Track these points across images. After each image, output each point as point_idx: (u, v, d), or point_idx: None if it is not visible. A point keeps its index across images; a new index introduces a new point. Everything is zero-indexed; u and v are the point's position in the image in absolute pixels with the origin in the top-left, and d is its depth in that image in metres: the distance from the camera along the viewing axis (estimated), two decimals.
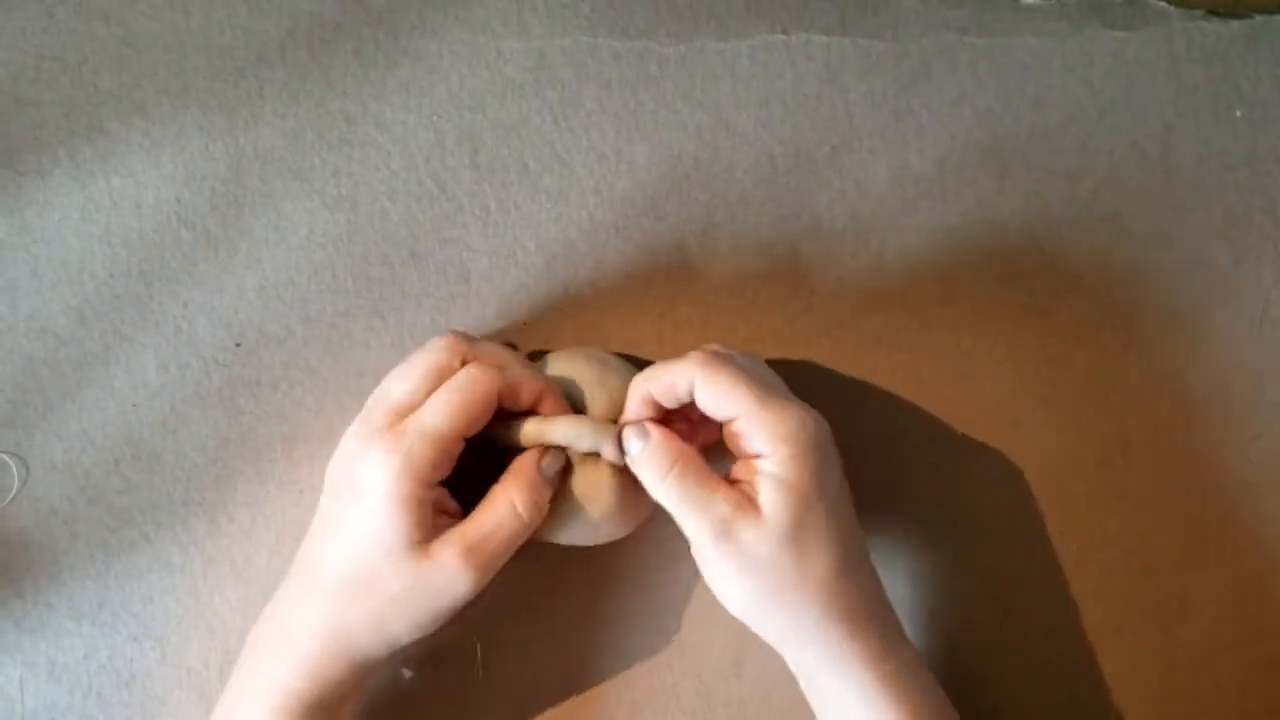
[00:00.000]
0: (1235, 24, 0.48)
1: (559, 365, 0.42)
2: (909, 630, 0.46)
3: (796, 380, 0.47)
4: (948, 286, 0.47)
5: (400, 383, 0.39)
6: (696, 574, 0.45)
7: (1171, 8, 0.48)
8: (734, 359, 0.40)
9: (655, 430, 0.39)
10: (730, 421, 0.39)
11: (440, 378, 0.39)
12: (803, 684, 0.41)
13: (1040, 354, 0.47)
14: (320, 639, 0.38)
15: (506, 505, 0.39)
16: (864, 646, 0.38)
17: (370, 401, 0.40)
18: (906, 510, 0.47)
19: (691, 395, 0.39)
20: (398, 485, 0.37)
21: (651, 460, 0.39)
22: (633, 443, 0.39)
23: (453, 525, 0.38)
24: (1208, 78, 0.48)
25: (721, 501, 0.38)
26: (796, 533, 0.37)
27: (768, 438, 0.37)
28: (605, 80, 0.47)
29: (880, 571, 0.46)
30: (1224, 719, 0.47)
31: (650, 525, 0.43)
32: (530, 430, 0.40)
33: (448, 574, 0.37)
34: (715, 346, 0.42)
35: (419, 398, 0.38)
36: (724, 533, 0.37)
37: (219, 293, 0.46)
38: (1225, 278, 0.48)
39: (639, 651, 0.46)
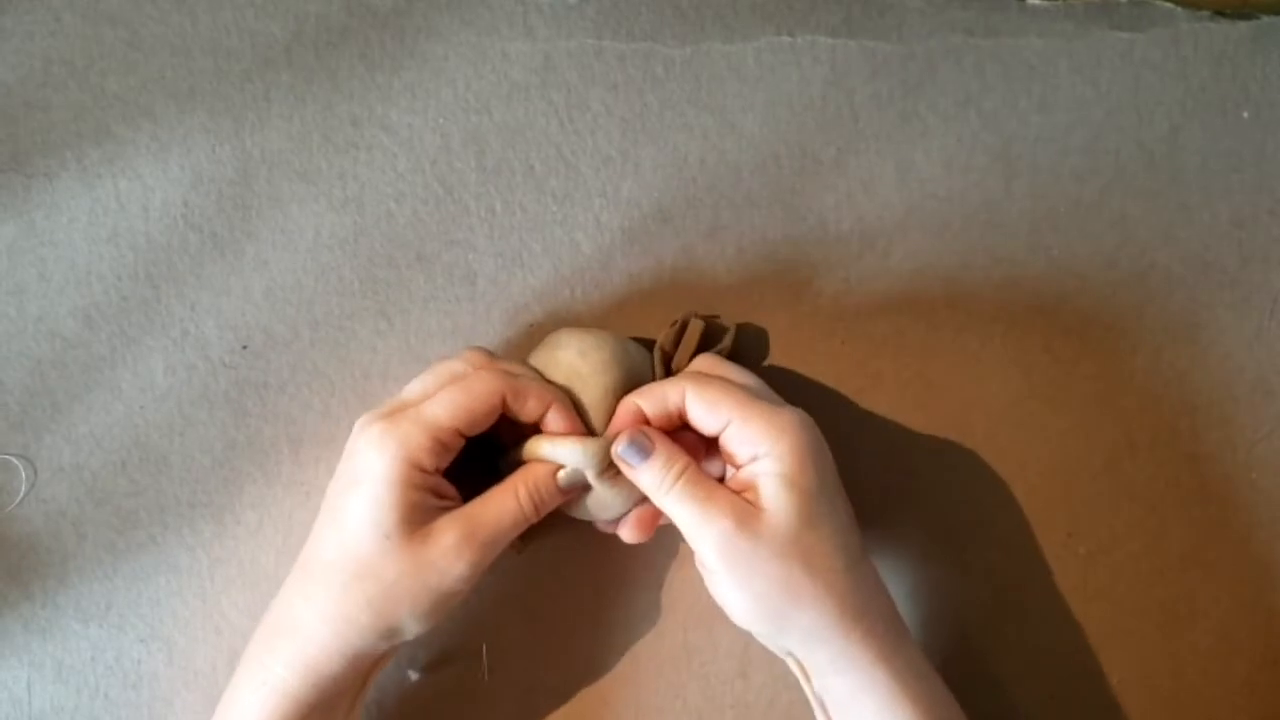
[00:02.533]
0: (1242, 25, 0.48)
1: (561, 363, 0.42)
2: (916, 632, 0.46)
3: (802, 383, 0.47)
4: (954, 288, 0.47)
5: (413, 385, 0.40)
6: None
7: (1178, 9, 0.48)
8: (726, 371, 0.41)
9: (658, 441, 0.39)
10: (724, 429, 0.39)
11: (452, 381, 0.39)
12: (808, 685, 0.40)
13: (1047, 356, 0.47)
14: (317, 631, 0.38)
15: (510, 494, 0.39)
16: (876, 643, 0.38)
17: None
18: (913, 512, 0.46)
19: (683, 409, 0.39)
20: (391, 467, 0.37)
21: (654, 471, 0.39)
22: (633, 456, 0.39)
23: (452, 510, 0.39)
24: (1214, 79, 0.48)
25: (726, 511, 0.38)
26: (804, 530, 0.37)
27: (764, 436, 0.38)
28: (611, 83, 0.47)
29: (887, 573, 0.46)
30: None
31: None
32: (531, 449, 0.40)
33: (443, 554, 0.37)
34: (711, 358, 0.43)
35: (427, 396, 0.39)
36: (730, 544, 0.37)
37: (226, 295, 0.46)
38: (1232, 279, 0.48)
39: (645, 654, 0.46)
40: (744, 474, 0.39)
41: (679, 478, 0.39)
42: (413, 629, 0.39)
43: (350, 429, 0.45)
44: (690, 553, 0.39)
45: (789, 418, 0.38)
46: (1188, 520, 0.47)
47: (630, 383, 0.42)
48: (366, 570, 0.37)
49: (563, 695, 0.46)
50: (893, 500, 0.46)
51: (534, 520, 0.40)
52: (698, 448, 0.41)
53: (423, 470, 0.38)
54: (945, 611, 0.46)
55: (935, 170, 0.47)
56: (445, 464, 0.39)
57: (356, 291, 0.46)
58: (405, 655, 0.45)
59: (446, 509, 0.39)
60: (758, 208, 0.47)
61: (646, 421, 0.40)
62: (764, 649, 0.42)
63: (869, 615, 0.38)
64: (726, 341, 0.44)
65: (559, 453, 0.39)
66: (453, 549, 0.37)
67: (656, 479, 0.39)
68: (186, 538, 0.45)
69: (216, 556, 0.45)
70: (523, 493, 0.39)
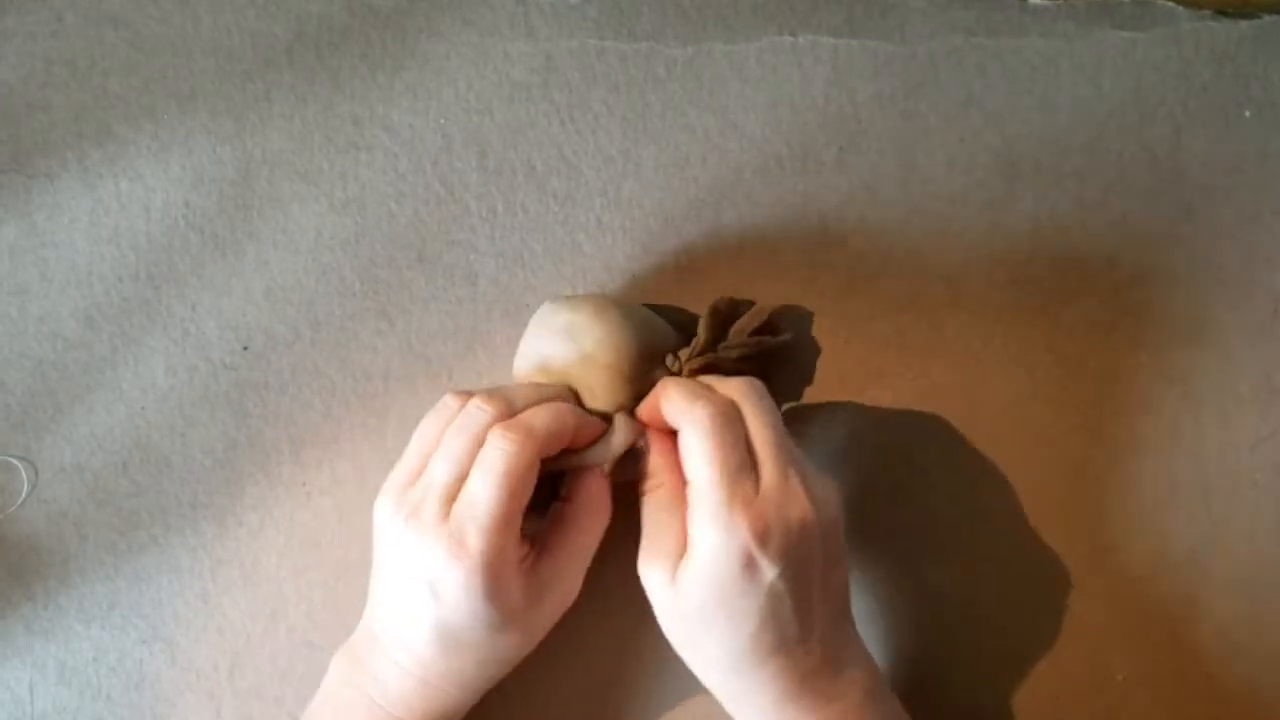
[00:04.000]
0: (1244, 24, 0.48)
1: (556, 345, 0.41)
2: (917, 632, 0.46)
3: (805, 383, 0.47)
4: (957, 288, 0.47)
5: (436, 465, 0.38)
6: None
7: (1180, 8, 0.48)
8: (754, 420, 0.39)
9: (653, 446, 0.40)
10: (689, 484, 0.38)
11: (476, 445, 0.38)
12: None
13: (1050, 356, 0.47)
14: (420, 699, 0.40)
15: (572, 525, 0.41)
16: (789, 709, 0.38)
17: (417, 490, 0.38)
18: (915, 511, 0.46)
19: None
20: (484, 586, 0.37)
21: (644, 468, 0.41)
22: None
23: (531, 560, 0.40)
24: (1216, 78, 0.48)
25: (658, 543, 0.39)
26: (695, 616, 0.38)
27: (697, 529, 0.37)
28: (612, 83, 0.47)
29: (888, 572, 0.46)
30: None
31: None
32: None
33: (549, 615, 0.41)
34: (745, 392, 0.40)
35: (458, 476, 0.38)
36: (646, 570, 0.39)
37: (227, 296, 0.46)
38: (1235, 279, 0.47)
39: (648, 655, 0.46)
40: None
41: (652, 489, 0.40)
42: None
43: (352, 430, 0.46)
44: None
45: (716, 544, 0.36)
46: (1191, 520, 0.47)
47: (642, 330, 0.41)
48: (483, 653, 0.39)
49: (565, 696, 0.46)
50: (894, 499, 0.46)
51: (611, 475, 0.41)
52: None
53: (512, 563, 0.38)
54: (946, 611, 0.46)
55: (937, 170, 0.47)
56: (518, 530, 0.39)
57: (358, 292, 0.46)
58: None
59: (527, 560, 0.39)
60: (759, 208, 0.47)
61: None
62: None
63: (774, 693, 0.38)
64: (784, 338, 0.44)
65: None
66: (555, 609, 0.40)
67: (644, 475, 0.41)
68: (188, 539, 0.45)
69: (218, 557, 0.45)
70: (589, 533, 0.41)
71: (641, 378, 0.41)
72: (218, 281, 0.46)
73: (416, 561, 0.37)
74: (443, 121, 0.47)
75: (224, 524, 0.45)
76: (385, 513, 0.39)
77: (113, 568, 0.45)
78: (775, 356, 0.44)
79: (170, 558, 0.45)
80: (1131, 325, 0.47)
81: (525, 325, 0.46)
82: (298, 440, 0.46)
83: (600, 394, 0.41)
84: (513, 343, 0.46)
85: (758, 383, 0.40)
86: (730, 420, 0.38)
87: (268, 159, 0.46)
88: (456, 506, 0.37)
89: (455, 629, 0.38)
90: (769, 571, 0.37)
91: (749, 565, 0.36)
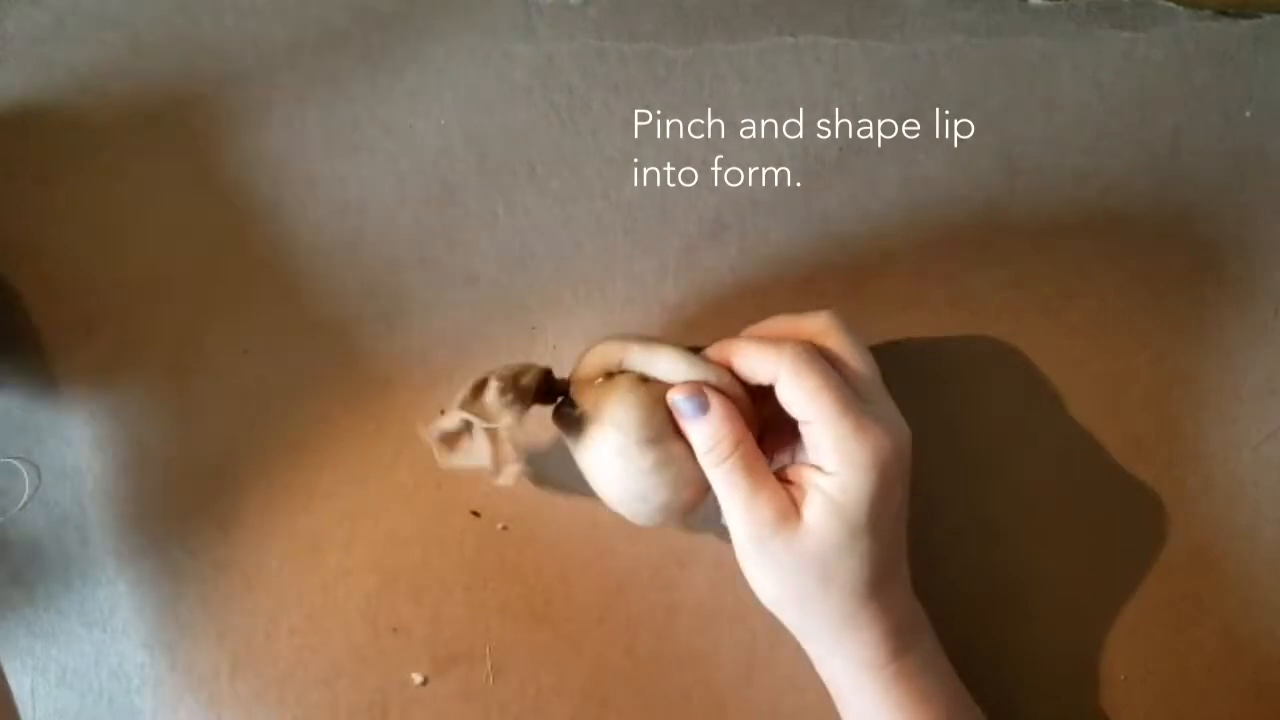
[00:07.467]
0: (1244, 24, 0.48)
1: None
2: None
3: None
4: (958, 288, 0.47)
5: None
6: (709, 579, 0.45)
7: (1180, 8, 0.48)
8: (835, 352, 0.39)
9: (716, 405, 0.38)
10: (806, 424, 0.38)
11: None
12: (820, 672, 0.42)
13: (1052, 356, 0.47)
14: None
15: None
16: (875, 651, 0.39)
17: None
18: (917, 511, 0.46)
19: (770, 383, 0.38)
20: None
21: (705, 436, 0.38)
22: (688, 406, 0.38)
23: None
24: (1217, 78, 0.48)
25: (767, 503, 0.38)
26: (832, 555, 0.37)
27: (836, 457, 0.37)
28: (613, 84, 0.47)
29: None
30: None
31: (658, 531, 0.43)
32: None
33: None
34: (826, 328, 0.39)
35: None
36: (762, 536, 0.38)
37: (228, 299, 0.46)
38: (1236, 278, 0.47)
39: (650, 657, 0.46)
40: (803, 473, 0.38)
41: (730, 454, 0.38)
42: None
43: (352, 433, 0.46)
44: (697, 557, 0.40)
45: (870, 445, 0.37)
46: (1193, 519, 0.47)
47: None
48: None
49: (567, 698, 0.46)
50: None
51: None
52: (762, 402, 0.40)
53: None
54: (948, 611, 0.46)
55: (938, 170, 0.47)
56: None
57: (358, 294, 0.46)
58: (410, 658, 0.45)
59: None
60: (760, 208, 0.47)
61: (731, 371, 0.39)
62: (769, 652, 0.42)
63: (873, 630, 0.39)
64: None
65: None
66: None
67: (708, 444, 0.38)
68: (189, 543, 0.45)
69: (219, 562, 0.45)
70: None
71: None
72: (218, 285, 0.46)
73: None
74: (443, 123, 0.47)
75: (225, 528, 0.45)
76: None
77: (114, 571, 0.45)
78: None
79: (171, 562, 0.45)
80: (1132, 325, 0.47)
81: (525, 327, 0.46)
82: (298, 444, 0.46)
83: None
84: (513, 345, 0.46)
85: (831, 313, 0.40)
86: (813, 355, 0.38)
87: (268, 162, 0.46)
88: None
89: None
90: (900, 492, 0.38)
91: (887, 490, 0.37)
